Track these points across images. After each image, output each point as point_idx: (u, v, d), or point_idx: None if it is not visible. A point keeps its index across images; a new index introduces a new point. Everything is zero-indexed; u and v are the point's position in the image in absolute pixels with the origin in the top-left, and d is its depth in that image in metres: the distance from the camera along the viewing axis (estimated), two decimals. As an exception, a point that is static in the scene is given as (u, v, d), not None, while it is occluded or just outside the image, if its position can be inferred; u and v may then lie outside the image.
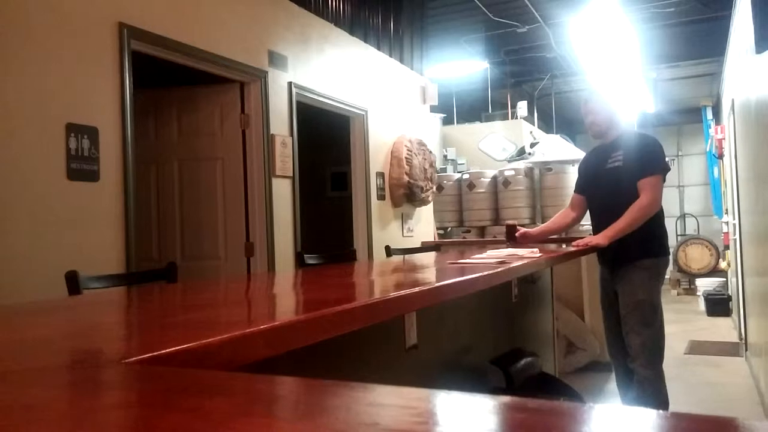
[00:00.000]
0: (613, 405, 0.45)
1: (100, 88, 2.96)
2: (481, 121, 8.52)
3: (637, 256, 2.78)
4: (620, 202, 2.76)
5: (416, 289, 1.19)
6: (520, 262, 1.95)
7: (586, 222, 3.27)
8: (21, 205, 2.55)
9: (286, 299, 1.26)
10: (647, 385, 2.67)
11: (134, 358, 0.61)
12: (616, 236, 2.72)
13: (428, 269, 1.98)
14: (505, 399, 0.50)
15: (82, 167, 2.80)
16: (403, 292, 1.14)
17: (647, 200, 2.71)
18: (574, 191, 3.25)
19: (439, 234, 6.49)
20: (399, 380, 1.70)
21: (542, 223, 6.27)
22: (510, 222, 3.27)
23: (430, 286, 1.24)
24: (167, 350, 0.65)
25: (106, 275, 2.02)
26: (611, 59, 6.54)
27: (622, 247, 2.77)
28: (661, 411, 0.43)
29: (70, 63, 2.80)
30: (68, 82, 2.79)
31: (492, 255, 2.19)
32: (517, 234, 3.07)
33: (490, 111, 8.78)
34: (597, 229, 2.92)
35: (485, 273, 1.55)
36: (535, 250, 2.42)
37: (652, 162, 2.78)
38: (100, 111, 2.94)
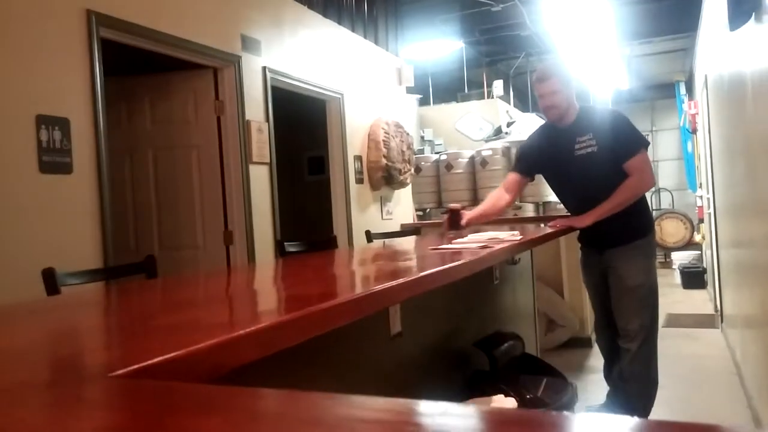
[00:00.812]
0: (594, 414, 0.45)
1: (70, 78, 2.88)
2: (457, 101, 8.51)
3: (629, 237, 2.70)
4: (606, 189, 2.62)
5: (402, 281, 1.19)
6: (502, 246, 1.96)
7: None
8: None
9: (271, 296, 1.25)
10: (639, 362, 2.65)
11: (121, 371, 0.60)
12: (600, 218, 2.62)
13: (411, 256, 1.98)
14: (491, 410, 0.49)
15: (54, 160, 2.74)
16: (389, 284, 1.14)
17: (636, 180, 2.60)
18: (515, 170, 2.95)
19: (417, 215, 6.50)
20: (385, 368, 1.70)
21: (519, 203, 6.32)
22: (453, 206, 2.82)
23: (416, 277, 1.24)
24: (155, 360, 0.63)
25: (84, 271, 1.98)
26: (586, 36, 6.55)
27: (613, 228, 2.66)
28: (643, 419, 0.43)
29: (38, 52, 2.72)
30: (36, 72, 2.71)
31: (473, 239, 2.20)
32: (463, 222, 2.73)
33: (466, 91, 8.77)
34: (576, 215, 2.80)
35: (470, 259, 1.55)
36: (516, 232, 2.44)
37: (630, 141, 2.64)
38: (71, 101, 2.87)
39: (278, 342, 0.83)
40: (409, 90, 6.85)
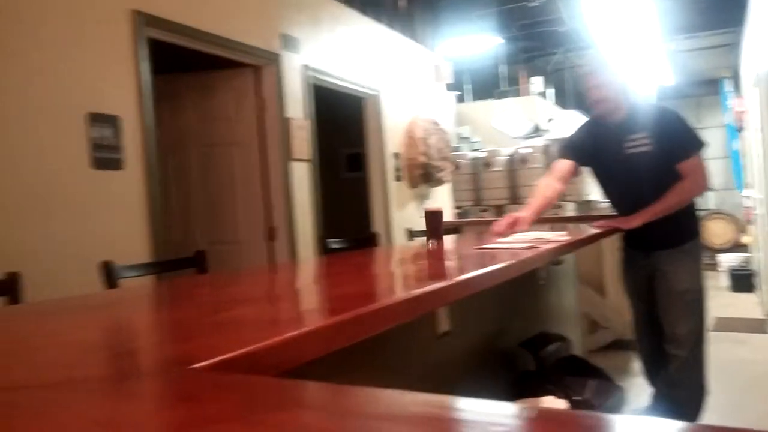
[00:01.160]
0: (645, 417, 0.44)
1: (119, 77, 2.96)
2: (495, 98, 8.43)
3: (678, 239, 2.61)
4: (657, 190, 2.53)
5: (454, 281, 1.18)
6: (549, 247, 1.93)
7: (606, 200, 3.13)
8: (48, 196, 2.57)
9: (326, 293, 1.26)
10: (688, 369, 2.58)
11: (201, 364, 0.61)
12: (650, 220, 2.53)
13: (458, 256, 1.97)
14: (530, 408, 0.48)
15: (106, 156, 2.82)
16: (441, 285, 1.14)
17: (691, 183, 2.51)
18: (566, 157, 2.77)
19: (456, 213, 6.48)
20: (431, 367, 1.70)
21: (560, 201, 6.23)
22: (433, 209, 2.34)
23: (469, 276, 1.23)
24: (232, 354, 0.65)
25: (139, 264, 2.04)
26: (627, 31, 6.42)
27: (662, 230, 2.57)
28: (691, 424, 0.42)
29: (88, 53, 2.80)
30: (87, 72, 2.79)
31: (519, 239, 2.18)
32: (522, 228, 2.42)
33: (503, 87, 8.69)
34: (623, 215, 2.72)
35: (519, 259, 1.54)
36: (563, 233, 2.40)
37: (687, 141, 2.53)
38: (121, 99, 2.95)
39: (340, 339, 0.84)
40: (447, 87, 6.83)
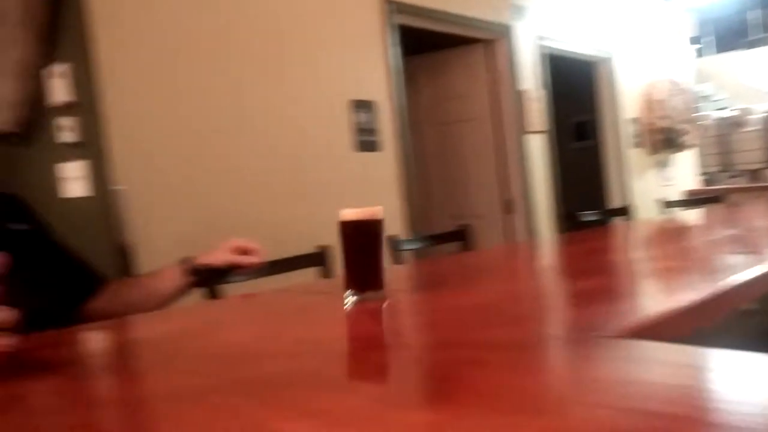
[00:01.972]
0: None
1: (373, 64, 3.19)
2: (743, 49, 7.39)
3: None
4: None
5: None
6: None
7: None
8: (326, 178, 2.87)
9: (660, 269, 1.25)
10: None
11: (614, 331, 0.66)
12: None
13: None
14: None
15: (366, 139, 3.08)
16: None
17: None
18: None
19: (702, 180, 5.89)
20: (734, 345, 1.59)
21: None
22: (358, 214, 1.06)
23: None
24: (631, 324, 0.68)
25: (415, 238, 2.21)
26: None
27: None
28: None
29: (346, 44, 3.07)
30: (347, 62, 3.06)
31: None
32: None
33: (753, 36, 7.57)
34: None
35: None
36: None
37: None
38: (375, 85, 3.18)
39: (706, 317, 0.83)
40: (690, 41, 6.18)
